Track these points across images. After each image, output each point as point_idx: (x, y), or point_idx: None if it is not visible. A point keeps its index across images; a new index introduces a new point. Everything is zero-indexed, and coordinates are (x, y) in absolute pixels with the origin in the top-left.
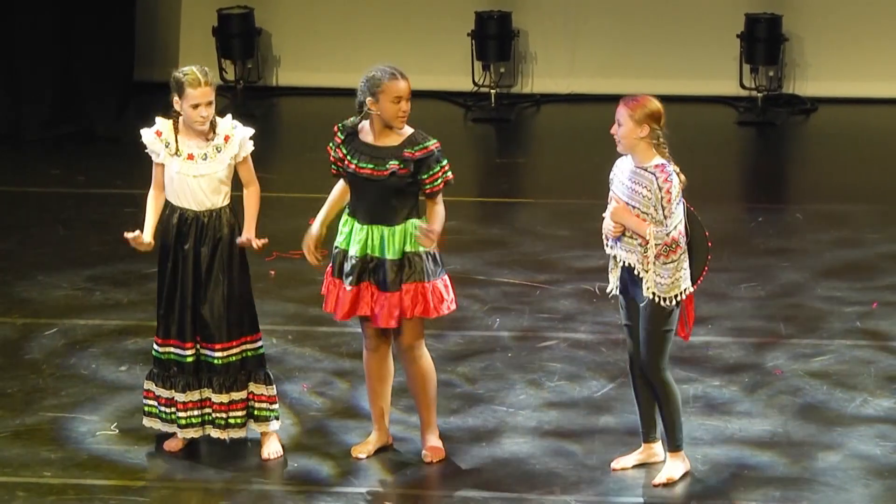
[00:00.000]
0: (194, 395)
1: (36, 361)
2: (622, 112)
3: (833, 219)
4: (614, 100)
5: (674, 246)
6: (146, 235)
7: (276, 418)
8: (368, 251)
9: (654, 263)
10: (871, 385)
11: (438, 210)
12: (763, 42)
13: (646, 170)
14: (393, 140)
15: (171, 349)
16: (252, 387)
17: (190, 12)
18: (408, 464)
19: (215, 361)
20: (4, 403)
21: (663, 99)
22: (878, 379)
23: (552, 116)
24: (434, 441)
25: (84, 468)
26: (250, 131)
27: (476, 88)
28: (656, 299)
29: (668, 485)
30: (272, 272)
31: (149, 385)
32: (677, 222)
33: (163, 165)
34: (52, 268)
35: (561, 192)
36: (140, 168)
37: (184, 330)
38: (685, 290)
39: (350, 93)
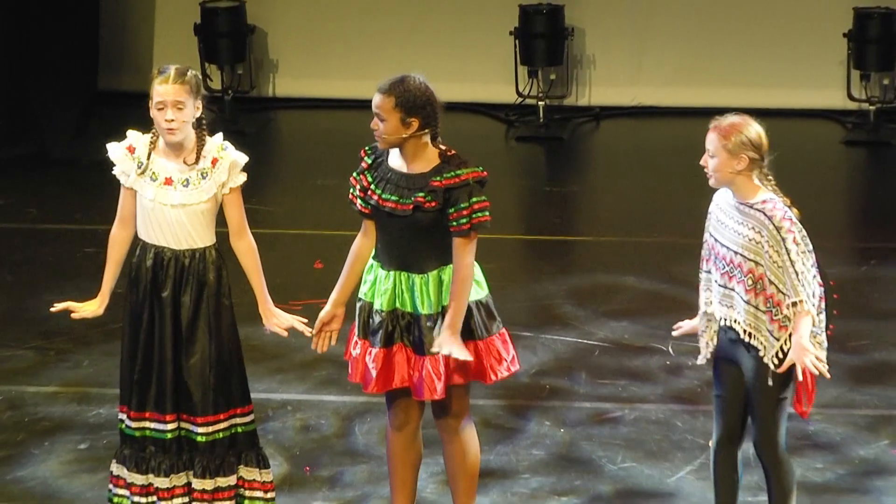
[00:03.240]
0: (180, 479)
1: None
2: (713, 141)
3: None
4: (691, 114)
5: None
6: (98, 300)
7: None
8: (398, 304)
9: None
10: None
11: (457, 290)
12: (876, 43)
13: (752, 206)
14: (424, 166)
15: (147, 423)
16: (242, 471)
17: (166, 7)
18: None
19: (197, 438)
20: None
21: (753, 113)
22: None
23: (614, 134)
24: None
25: None
26: (244, 158)
27: (520, 100)
28: (773, 363)
29: None
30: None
31: (118, 470)
32: (815, 272)
33: (133, 192)
34: None
35: (625, 228)
36: (104, 199)
37: (163, 399)
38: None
39: (365, 105)
